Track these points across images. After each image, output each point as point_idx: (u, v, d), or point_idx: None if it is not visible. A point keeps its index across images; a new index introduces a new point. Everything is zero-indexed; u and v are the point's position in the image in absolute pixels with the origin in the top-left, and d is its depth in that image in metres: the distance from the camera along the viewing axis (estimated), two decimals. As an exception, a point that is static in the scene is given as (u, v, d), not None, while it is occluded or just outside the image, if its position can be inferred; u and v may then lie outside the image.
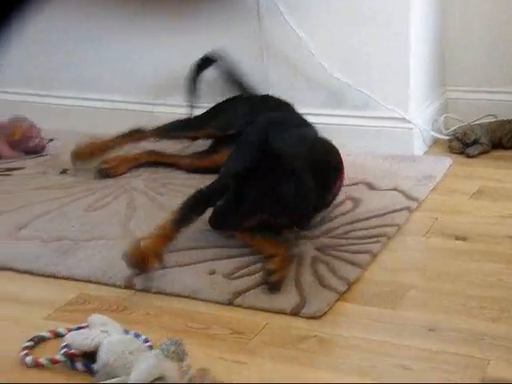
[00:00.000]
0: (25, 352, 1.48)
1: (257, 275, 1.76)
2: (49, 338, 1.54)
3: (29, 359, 1.46)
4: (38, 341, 1.53)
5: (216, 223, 1.87)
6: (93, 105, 2.79)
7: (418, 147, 2.47)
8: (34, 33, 2.77)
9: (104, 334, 1.42)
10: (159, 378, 1.30)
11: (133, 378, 1.31)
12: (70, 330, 1.52)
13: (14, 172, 2.45)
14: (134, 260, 1.72)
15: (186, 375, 1.32)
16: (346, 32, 2.44)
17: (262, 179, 1.76)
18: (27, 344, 1.51)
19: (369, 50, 2.42)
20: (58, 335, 1.54)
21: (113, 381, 1.31)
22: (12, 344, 1.53)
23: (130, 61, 2.71)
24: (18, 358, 1.48)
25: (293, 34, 2.45)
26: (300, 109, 2.36)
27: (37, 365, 1.45)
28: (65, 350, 1.47)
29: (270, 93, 2.50)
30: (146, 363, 1.31)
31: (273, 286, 1.68)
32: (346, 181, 2.11)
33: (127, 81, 2.74)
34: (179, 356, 1.32)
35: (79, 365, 1.43)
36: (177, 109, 2.62)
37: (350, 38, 2.44)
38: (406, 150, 2.43)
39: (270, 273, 1.70)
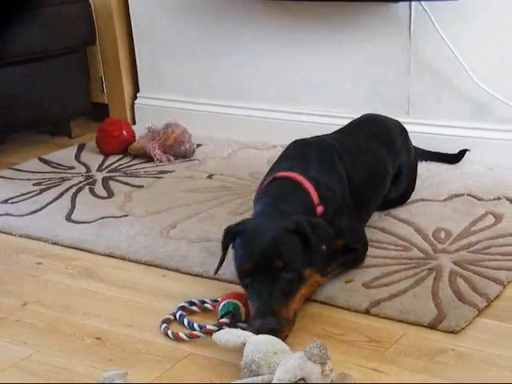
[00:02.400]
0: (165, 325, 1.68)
1: (395, 285, 1.79)
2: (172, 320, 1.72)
3: (170, 332, 1.65)
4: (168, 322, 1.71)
5: None
6: (240, 113, 2.91)
7: None
8: (189, 42, 2.94)
9: (250, 332, 1.50)
10: (302, 379, 1.35)
11: (277, 377, 1.37)
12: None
13: (166, 175, 2.61)
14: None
15: (327, 378, 1.37)
16: (498, 43, 2.41)
17: None
18: (164, 325, 1.69)
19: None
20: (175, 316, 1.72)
21: (258, 379, 1.38)
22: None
23: (281, 71, 2.80)
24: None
25: (443, 45, 2.45)
26: (446, 122, 2.35)
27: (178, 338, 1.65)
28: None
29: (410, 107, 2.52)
30: (291, 364, 1.37)
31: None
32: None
33: (276, 90, 2.83)
34: (322, 359, 1.36)
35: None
36: (320, 118, 2.69)
37: (501, 50, 2.41)
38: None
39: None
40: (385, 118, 2.28)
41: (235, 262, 1.69)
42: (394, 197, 2.19)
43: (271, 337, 1.49)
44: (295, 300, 1.62)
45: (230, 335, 1.51)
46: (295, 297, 1.62)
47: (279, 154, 2.04)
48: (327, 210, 1.82)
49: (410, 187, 2.25)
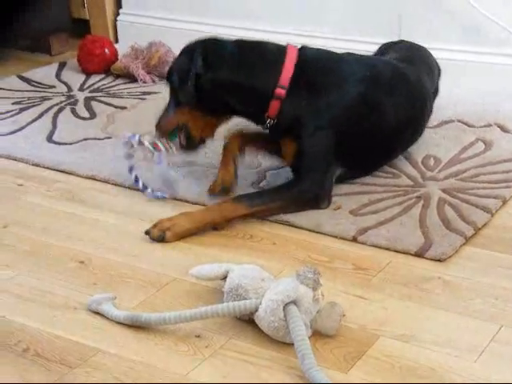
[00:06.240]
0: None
1: (382, 213, 1.77)
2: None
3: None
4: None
5: None
6: (230, 33, 2.75)
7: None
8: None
9: (231, 264, 1.48)
10: (293, 302, 1.33)
11: (268, 298, 1.34)
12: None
13: (150, 96, 2.54)
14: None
15: (317, 304, 1.36)
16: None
17: None
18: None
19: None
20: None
21: (246, 302, 1.36)
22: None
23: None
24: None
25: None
26: (437, 44, 2.28)
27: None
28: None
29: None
30: (284, 286, 1.34)
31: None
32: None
33: (266, 10, 2.72)
34: (315, 283, 1.34)
35: None
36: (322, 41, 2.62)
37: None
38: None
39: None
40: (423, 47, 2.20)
41: None
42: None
43: (257, 267, 1.46)
44: (176, 113, 1.90)
45: (210, 267, 1.48)
46: (176, 111, 1.90)
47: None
48: (291, 105, 1.83)
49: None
